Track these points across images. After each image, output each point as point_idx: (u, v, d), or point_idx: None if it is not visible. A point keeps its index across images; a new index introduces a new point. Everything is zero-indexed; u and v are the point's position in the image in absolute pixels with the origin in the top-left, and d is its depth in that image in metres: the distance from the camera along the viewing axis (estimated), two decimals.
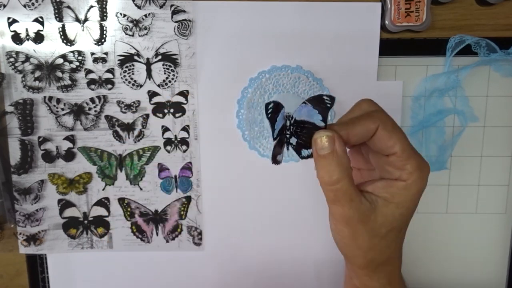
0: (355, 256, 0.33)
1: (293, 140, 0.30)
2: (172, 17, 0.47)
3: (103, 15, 0.46)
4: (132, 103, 0.48)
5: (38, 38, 0.46)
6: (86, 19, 0.46)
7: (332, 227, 0.32)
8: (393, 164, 0.30)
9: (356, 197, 0.30)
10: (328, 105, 0.29)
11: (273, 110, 0.28)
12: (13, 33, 0.46)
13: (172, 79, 0.48)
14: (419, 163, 0.30)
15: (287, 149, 0.30)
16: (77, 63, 0.47)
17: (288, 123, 0.29)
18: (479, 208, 0.52)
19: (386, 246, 0.32)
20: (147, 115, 0.49)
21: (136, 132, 0.49)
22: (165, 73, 0.48)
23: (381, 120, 0.30)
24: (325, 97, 0.29)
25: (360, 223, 0.30)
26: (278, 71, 0.48)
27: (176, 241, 0.51)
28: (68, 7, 0.46)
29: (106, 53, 0.47)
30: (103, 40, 0.47)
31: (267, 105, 0.28)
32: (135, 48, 0.47)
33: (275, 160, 0.30)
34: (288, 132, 0.30)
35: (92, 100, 0.48)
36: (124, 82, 0.48)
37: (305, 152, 0.30)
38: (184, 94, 0.48)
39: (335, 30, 0.47)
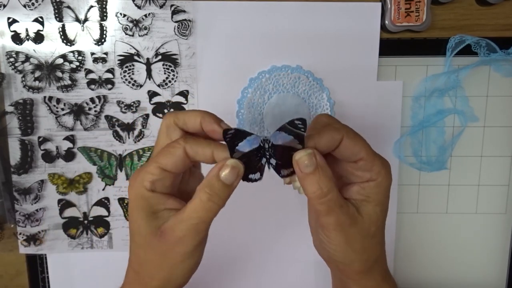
0: (352, 261, 0.34)
1: (273, 161, 0.32)
2: (172, 17, 0.47)
3: (103, 15, 0.46)
4: (132, 103, 0.48)
5: (38, 38, 0.46)
6: (86, 19, 0.46)
7: (326, 240, 0.34)
8: (362, 168, 0.33)
9: (343, 202, 0.32)
10: (302, 129, 0.30)
11: (232, 136, 0.30)
12: (13, 33, 0.46)
13: (172, 79, 0.48)
14: (382, 162, 0.33)
15: (269, 168, 0.32)
16: (77, 63, 0.47)
17: (266, 146, 0.32)
18: (479, 208, 0.52)
19: (376, 243, 0.35)
20: (147, 115, 0.49)
21: (136, 132, 0.49)
22: (165, 73, 0.48)
23: (344, 130, 0.32)
24: (297, 122, 0.30)
25: (351, 226, 0.32)
26: (278, 71, 0.48)
27: None
28: (68, 7, 0.46)
29: (106, 53, 0.47)
30: (103, 40, 0.47)
31: (226, 131, 0.30)
32: (135, 48, 0.47)
33: (247, 178, 0.32)
34: (267, 154, 0.32)
35: (92, 100, 0.48)
36: (124, 82, 0.48)
37: (284, 171, 0.32)
38: (184, 94, 0.48)
39: (335, 30, 0.47)
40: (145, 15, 0.46)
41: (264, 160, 0.32)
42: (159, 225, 0.32)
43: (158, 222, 0.32)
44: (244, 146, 0.31)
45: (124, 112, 0.49)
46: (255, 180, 0.32)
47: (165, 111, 0.49)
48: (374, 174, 0.33)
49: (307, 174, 0.31)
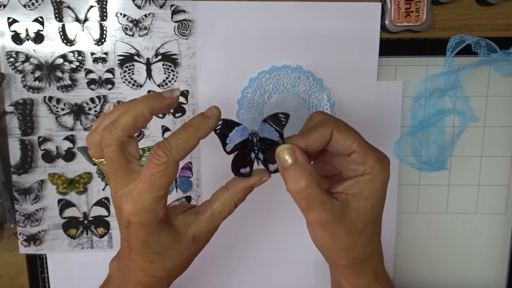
0: (339, 257, 0.34)
1: (261, 156, 0.33)
2: (172, 17, 0.47)
3: (103, 15, 0.46)
4: None
5: (38, 38, 0.46)
6: (86, 19, 0.46)
7: (312, 235, 0.34)
8: (355, 161, 0.32)
9: (327, 199, 0.31)
10: (283, 122, 0.31)
11: (222, 127, 0.32)
12: (13, 33, 0.46)
13: (172, 79, 0.48)
14: (378, 156, 0.32)
15: (258, 164, 0.33)
16: (77, 63, 0.47)
17: (255, 140, 0.32)
18: (479, 208, 0.52)
19: (366, 241, 0.33)
20: None
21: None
22: (165, 73, 0.48)
23: (334, 124, 0.32)
24: (280, 115, 0.31)
25: (336, 224, 0.32)
26: (278, 71, 0.48)
27: None
28: (68, 7, 0.46)
29: (106, 53, 0.47)
30: (103, 40, 0.47)
31: None
32: (135, 48, 0.47)
33: (238, 172, 0.33)
34: (256, 148, 0.32)
35: (92, 100, 0.48)
36: (124, 82, 0.48)
37: (271, 167, 0.32)
38: (184, 94, 0.48)
39: (335, 30, 0.47)
40: (145, 15, 0.46)
41: (253, 155, 0.33)
42: (184, 231, 0.34)
43: (183, 229, 0.34)
44: (235, 137, 0.32)
45: None
46: (246, 175, 0.33)
47: None
48: (368, 168, 0.32)
49: (285, 169, 0.31)
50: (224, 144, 0.32)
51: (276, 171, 0.32)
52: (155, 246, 0.33)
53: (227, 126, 0.32)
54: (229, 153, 0.33)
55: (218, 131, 0.32)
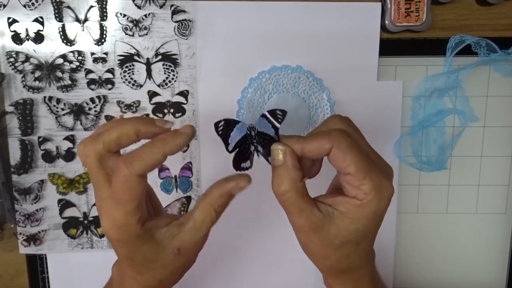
0: (315, 261, 0.35)
1: (260, 148, 0.33)
2: (172, 17, 0.47)
3: (103, 15, 0.46)
4: (132, 103, 0.48)
5: (38, 38, 0.46)
6: (86, 19, 0.46)
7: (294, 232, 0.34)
8: (350, 183, 0.31)
9: (306, 207, 0.31)
10: (280, 119, 0.31)
11: (224, 127, 0.32)
12: (13, 33, 0.46)
13: (172, 79, 0.48)
14: (376, 184, 0.30)
15: (258, 156, 0.33)
16: (77, 63, 0.47)
17: (253, 133, 0.33)
18: (479, 208, 0.52)
19: (343, 256, 0.33)
20: (147, 115, 0.49)
21: None
22: (165, 73, 0.48)
23: (335, 140, 0.30)
24: (278, 112, 0.31)
25: (311, 232, 0.32)
26: (278, 71, 0.48)
27: None
28: (68, 7, 0.46)
29: (106, 53, 0.47)
30: (103, 40, 0.47)
31: (217, 123, 0.32)
32: (135, 48, 0.47)
33: (239, 167, 0.33)
34: (254, 141, 0.33)
35: (92, 100, 0.48)
36: (124, 82, 0.48)
37: (271, 159, 0.32)
38: (184, 94, 0.48)
39: (335, 30, 0.47)
40: (145, 15, 0.46)
41: (252, 148, 0.33)
42: (168, 244, 0.32)
43: (167, 242, 0.32)
44: (235, 135, 0.32)
45: (124, 112, 0.49)
46: (246, 169, 0.33)
47: (165, 111, 0.49)
48: (360, 194, 0.30)
49: (274, 168, 0.31)
50: (226, 145, 0.32)
51: None
52: (138, 259, 0.32)
53: (229, 126, 0.32)
54: (231, 152, 0.33)
55: (220, 132, 0.32)
